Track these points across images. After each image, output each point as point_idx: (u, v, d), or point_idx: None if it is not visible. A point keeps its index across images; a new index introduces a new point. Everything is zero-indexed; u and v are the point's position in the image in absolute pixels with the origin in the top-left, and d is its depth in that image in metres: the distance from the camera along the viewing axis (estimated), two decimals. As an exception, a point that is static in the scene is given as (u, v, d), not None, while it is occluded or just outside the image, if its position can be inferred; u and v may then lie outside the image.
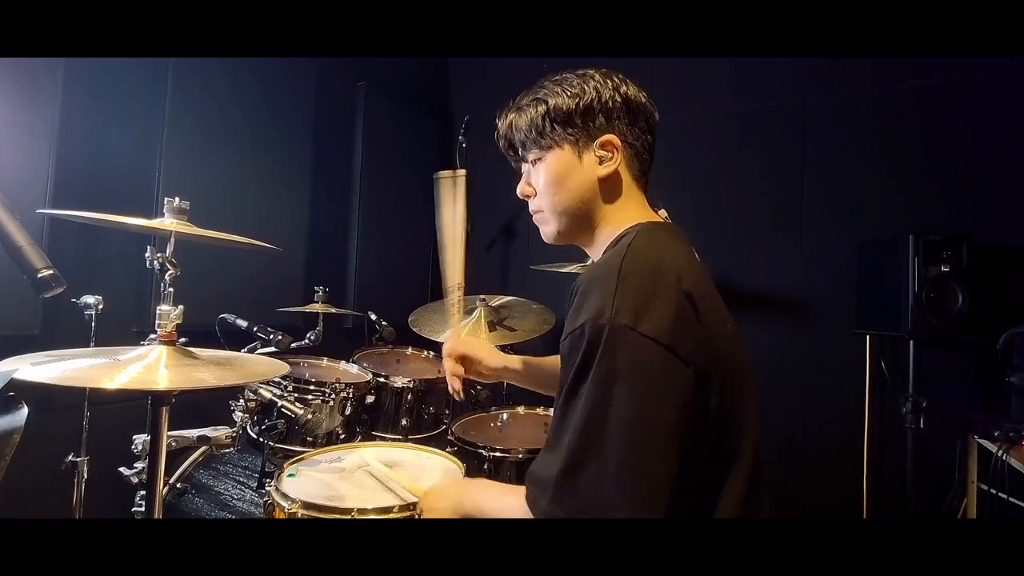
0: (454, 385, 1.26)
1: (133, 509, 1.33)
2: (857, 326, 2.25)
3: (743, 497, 0.78)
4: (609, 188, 0.90)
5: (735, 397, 0.78)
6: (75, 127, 1.80)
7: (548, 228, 0.96)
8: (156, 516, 1.03)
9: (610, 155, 0.89)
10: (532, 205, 0.97)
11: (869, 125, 2.37)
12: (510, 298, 2.24)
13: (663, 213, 0.95)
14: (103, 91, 1.91)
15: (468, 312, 2.15)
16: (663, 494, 0.69)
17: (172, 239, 1.08)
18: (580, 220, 0.92)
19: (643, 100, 0.91)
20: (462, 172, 1.28)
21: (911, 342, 2.00)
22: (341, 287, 2.81)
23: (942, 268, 1.92)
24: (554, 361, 1.23)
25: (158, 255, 1.05)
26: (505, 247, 3.22)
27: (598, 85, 0.89)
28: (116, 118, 1.95)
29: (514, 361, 1.30)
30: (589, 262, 2.20)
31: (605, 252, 0.91)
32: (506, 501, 0.86)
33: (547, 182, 0.92)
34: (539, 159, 0.94)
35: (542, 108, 0.91)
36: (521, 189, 0.99)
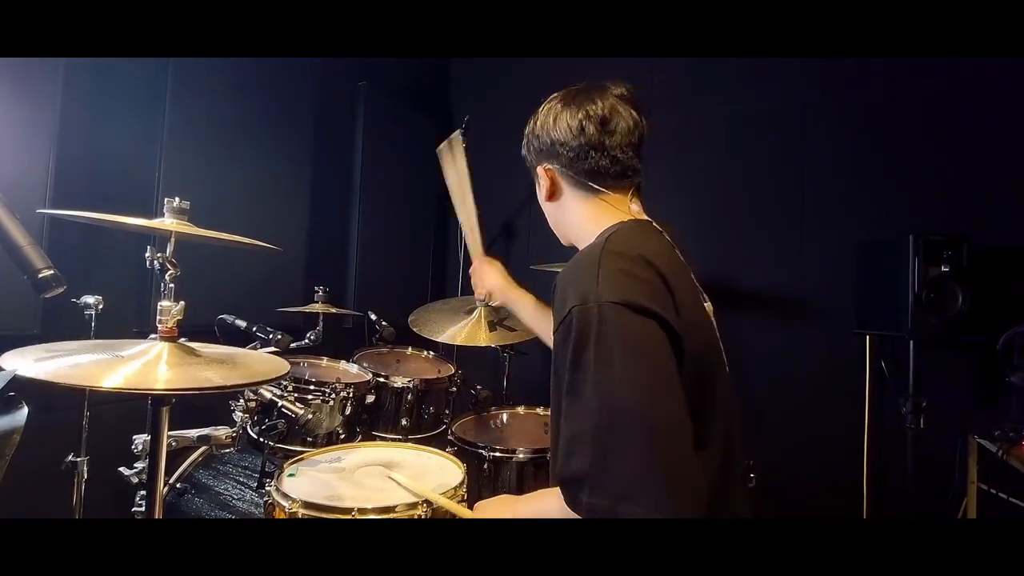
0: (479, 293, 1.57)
1: (133, 509, 1.32)
2: (857, 326, 2.25)
3: (713, 487, 0.79)
4: (562, 206, 1.04)
5: (707, 374, 0.82)
6: (75, 127, 1.80)
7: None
8: (156, 516, 1.03)
9: (543, 181, 1.03)
10: None
11: (869, 125, 2.37)
12: (510, 298, 2.23)
13: (635, 207, 1.02)
14: (103, 91, 1.91)
15: (468, 312, 2.15)
16: (691, 455, 0.71)
17: (172, 239, 1.08)
18: (561, 232, 1.09)
19: (563, 132, 0.97)
20: (454, 135, 1.50)
21: (911, 342, 2.00)
22: (341, 287, 2.81)
23: (942, 268, 1.92)
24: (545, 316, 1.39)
25: (158, 255, 1.05)
26: (505, 247, 3.22)
27: (533, 122, 1.04)
28: (116, 118, 1.95)
29: (523, 299, 1.51)
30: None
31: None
32: (545, 505, 0.88)
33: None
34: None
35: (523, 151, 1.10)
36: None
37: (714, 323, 0.93)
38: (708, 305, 0.95)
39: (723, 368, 0.91)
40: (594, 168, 0.98)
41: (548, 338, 1.14)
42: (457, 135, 1.50)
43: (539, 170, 1.03)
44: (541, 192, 1.06)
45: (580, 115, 0.97)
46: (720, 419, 0.84)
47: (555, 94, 1.04)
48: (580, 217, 1.02)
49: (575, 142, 0.97)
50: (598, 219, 0.98)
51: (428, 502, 1.17)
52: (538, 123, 1.02)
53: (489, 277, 1.57)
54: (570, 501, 0.75)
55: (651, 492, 0.68)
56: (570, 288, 0.81)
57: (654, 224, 1.00)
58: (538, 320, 1.44)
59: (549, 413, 2.04)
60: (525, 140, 1.07)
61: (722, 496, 0.82)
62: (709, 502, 0.78)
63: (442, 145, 1.52)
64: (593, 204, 1.00)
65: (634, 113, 0.98)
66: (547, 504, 0.87)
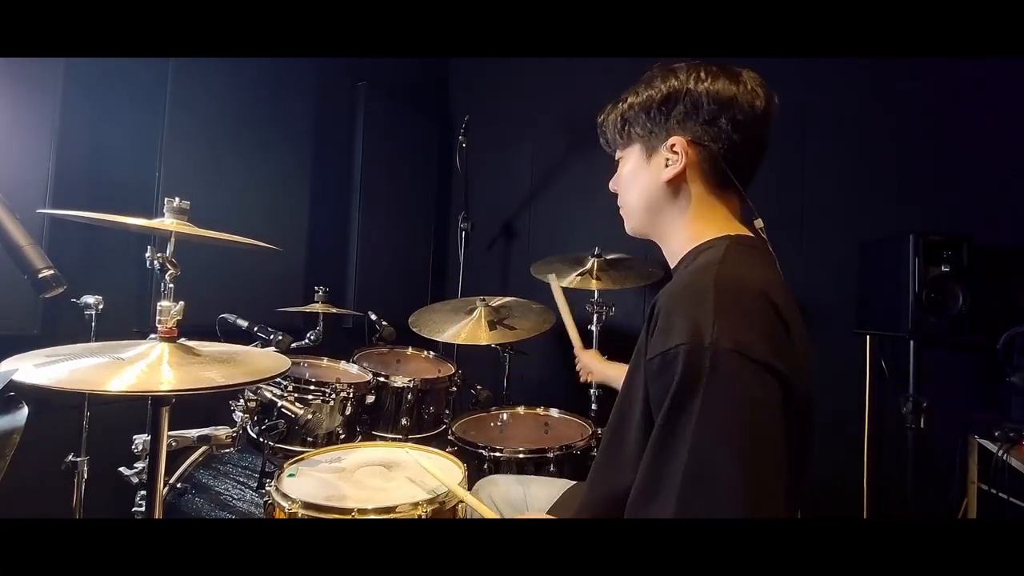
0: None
1: (133, 509, 1.32)
2: (857, 326, 2.25)
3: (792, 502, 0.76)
4: (677, 193, 0.86)
5: (809, 424, 0.75)
6: (75, 127, 1.80)
7: (626, 223, 0.96)
8: (156, 516, 1.03)
9: (676, 157, 0.84)
10: (618, 199, 0.97)
11: (869, 125, 2.37)
12: (510, 298, 2.24)
13: (759, 223, 0.88)
14: (103, 91, 1.91)
15: (468, 312, 2.15)
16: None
17: (172, 239, 1.08)
18: (650, 220, 0.91)
19: (730, 95, 0.81)
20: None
21: (911, 342, 2.00)
22: (341, 287, 2.81)
23: (942, 268, 1.92)
24: None
25: (158, 255, 1.05)
26: (505, 247, 3.22)
27: (675, 82, 0.83)
28: (116, 118, 1.95)
29: (617, 372, 1.73)
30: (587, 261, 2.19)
31: (683, 262, 0.87)
32: None
33: (623, 180, 0.94)
34: (621, 156, 0.94)
35: (622, 106, 0.89)
36: (611, 183, 0.98)
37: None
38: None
39: (816, 412, 0.80)
40: (749, 164, 0.85)
41: None
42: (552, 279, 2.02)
43: (676, 140, 0.83)
44: (652, 168, 0.86)
45: (764, 100, 0.82)
46: (807, 469, 0.79)
47: (697, 62, 0.84)
48: (694, 214, 0.85)
49: (751, 123, 0.81)
50: (712, 226, 0.85)
51: (427, 501, 1.17)
52: (694, 82, 0.81)
53: (589, 362, 1.85)
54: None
55: None
56: (678, 318, 0.69)
57: (766, 242, 0.86)
58: None
59: (550, 413, 2.05)
60: (653, 96, 0.84)
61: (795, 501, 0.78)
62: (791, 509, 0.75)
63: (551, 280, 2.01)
64: (713, 205, 0.85)
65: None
66: None
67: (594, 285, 2.20)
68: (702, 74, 0.82)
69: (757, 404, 0.65)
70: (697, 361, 0.65)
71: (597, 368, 1.81)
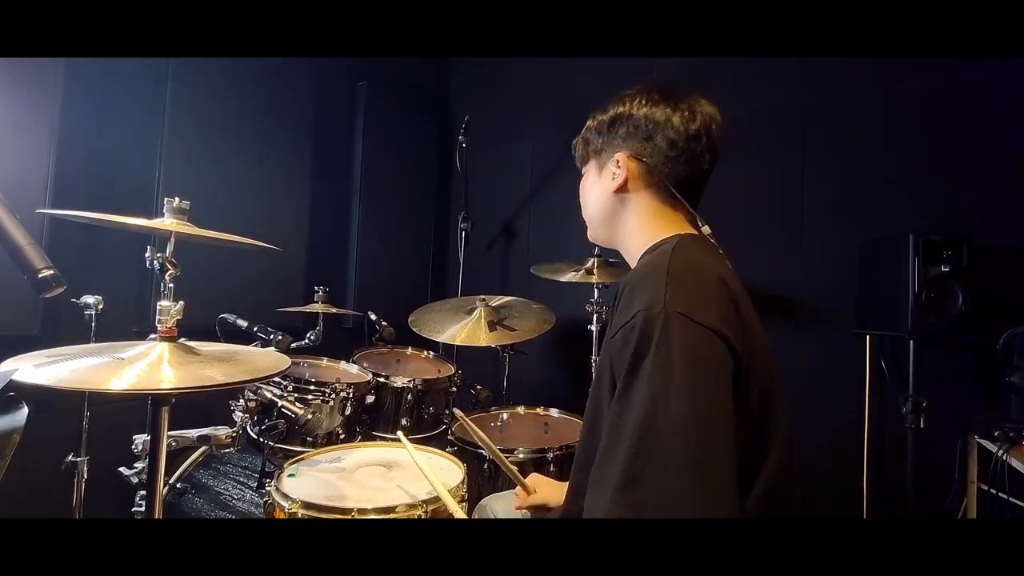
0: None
1: (133, 509, 1.32)
2: (857, 326, 2.25)
3: (767, 492, 0.78)
4: (625, 202, 0.96)
5: (768, 406, 0.79)
6: (75, 127, 1.80)
7: (589, 232, 1.07)
8: (156, 516, 1.03)
9: (619, 170, 0.94)
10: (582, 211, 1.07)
11: (869, 125, 2.37)
12: (510, 298, 2.24)
13: (706, 229, 0.96)
14: (103, 91, 1.91)
15: (468, 312, 2.15)
16: (731, 481, 0.68)
17: (172, 239, 1.08)
18: (607, 227, 1.01)
19: (663, 118, 0.91)
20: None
21: (911, 342, 2.00)
22: (341, 287, 2.81)
23: (942, 268, 1.92)
24: None
25: (158, 255, 1.05)
26: (505, 247, 3.22)
27: (622, 107, 0.95)
28: (116, 118, 1.95)
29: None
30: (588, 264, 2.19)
31: (643, 258, 0.94)
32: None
33: (583, 192, 1.05)
34: (583, 172, 1.06)
35: (584, 130, 1.02)
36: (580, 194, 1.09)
37: (773, 346, 0.87)
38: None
39: (784, 400, 0.86)
40: (687, 177, 0.93)
41: None
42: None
43: (619, 157, 0.94)
44: (603, 180, 0.97)
45: (700, 121, 0.91)
46: (775, 452, 0.81)
47: (648, 86, 0.95)
48: (643, 221, 0.95)
49: (684, 143, 0.91)
50: (662, 229, 0.94)
51: (427, 502, 1.17)
52: (637, 106, 0.93)
53: (550, 495, 1.29)
54: (591, 502, 0.73)
55: (682, 512, 0.65)
56: (638, 293, 0.77)
57: (716, 245, 0.95)
58: None
59: (550, 413, 2.05)
60: (604, 118, 0.97)
61: (778, 496, 0.81)
62: (766, 500, 0.77)
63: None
64: (662, 212, 0.95)
65: (720, 142, 0.94)
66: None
67: (595, 279, 2.20)
68: (644, 99, 0.94)
69: (704, 361, 0.70)
70: (650, 325, 0.72)
71: (552, 497, 1.25)
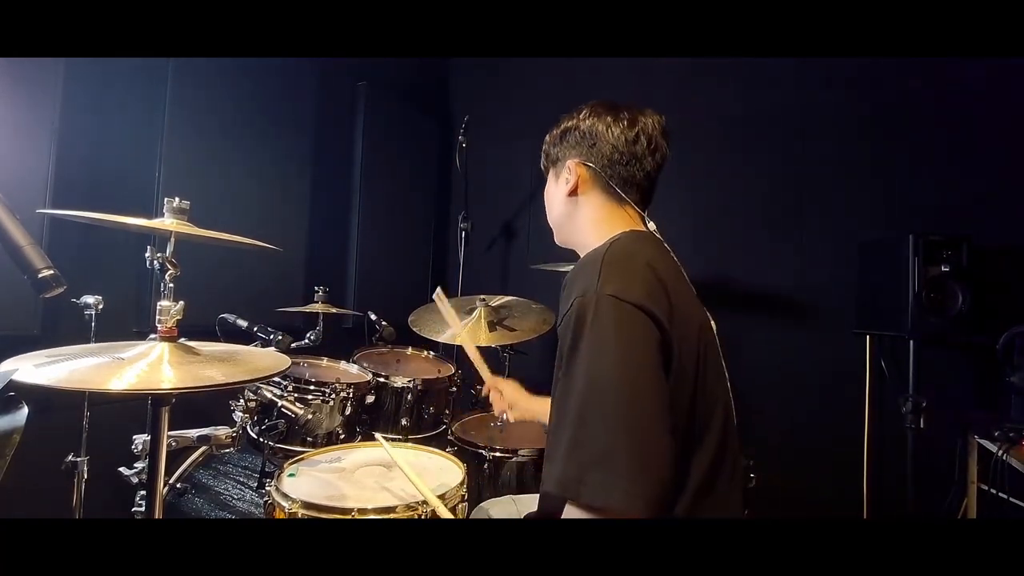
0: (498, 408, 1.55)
1: (133, 509, 1.32)
2: (857, 326, 2.25)
3: (707, 470, 0.84)
4: (578, 204, 1.06)
5: (701, 379, 0.85)
6: (75, 127, 1.80)
7: (555, 236, 1.16)
8: (156, 516, 1.03)
9: (570, 175, 1.05)
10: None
11: (869, 125, 2.37)
12: (510, 298, 2.24)
13: (652, 225, 1.05)
14: (103, 91, 1.91)
15: (468, 312, 2.15)
16: (663, 439, 0.75)
17: (172, 239, 1.08)
18: (566, 229, 1.11)
19: (604, 128, 1.01)
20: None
21: (911, 342, 2.00)
22: (341, 287, 2.81)
23: (942, 268, 1.92)
24: None
25: (158, 255, 1.05)
26: (505, 247, 3.22)
27: (571, 121, 1.06)
28: (116, 118, 1.95)
29: (542, 404, 1.46)
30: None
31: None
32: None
33: (546, 199, 1.15)
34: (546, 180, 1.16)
35: (544, 143, 1.13)
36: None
37: (716, 337, 0.95)
38: (713, 323, 0.97)
39: (720, 369, 0.94)
40: (630, 178, 1.02)
41: None
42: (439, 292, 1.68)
43: (569, 164, 1.05)
44: (559, 186, 1.08)
45: (637, 128, 1.01)
46: (719, 414, 0.88)
47: (597, 102, 1.07)
48: (595, 219, 1.04)
49: (624, 148, 1.01)
50: (613, 226, 1.02)
51: (427, 502, 1.17)
52: (583, 119, 1.04)
53: (511, 394, 1.56)
54: (545, 476, 0.79)
55: (618, 464, 0.71)
56: (576, 284, 0.86)
57: (659, 238, 1.04)
58: None
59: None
60: (557, 132, 1.09)
61: (712, 497, 0.85)
62: (695, 502, 0.82)
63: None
64: (611, 210, 1.04)
65: (666, 147, 1.05)
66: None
67: None
68: (588, 112, 1.05)
69: (633, 333, 0.78)
70: (584, 308, 0.80)
71: (521, 403, 1.52)
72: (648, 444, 0.73)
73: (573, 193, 1.05)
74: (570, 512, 0.75)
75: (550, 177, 1.13)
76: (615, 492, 0.70)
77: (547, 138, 1.12)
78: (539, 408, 1.48)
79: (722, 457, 0.87)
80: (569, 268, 2.18)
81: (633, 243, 0.95)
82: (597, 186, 1.04)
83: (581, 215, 1.06)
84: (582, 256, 1.05)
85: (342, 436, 1.72)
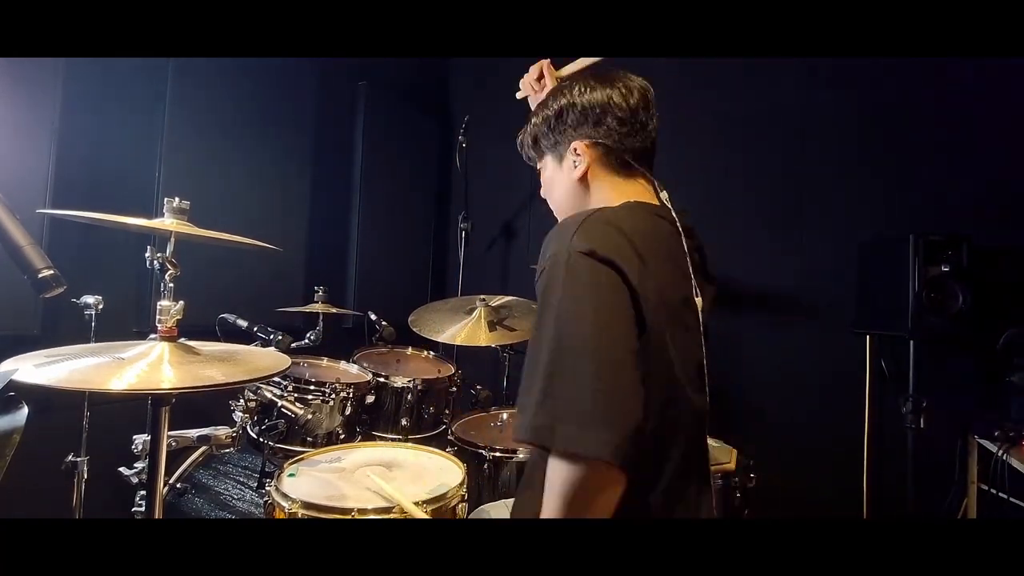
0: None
1: (133, 509, 1.32)
2: (857, 326, 2.25)
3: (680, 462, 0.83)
4: (589, 185, 0.99)
5: (668, 347, 0.83)
6: (75, 127, 1.80)
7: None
8: (156, 516, 1.03)
9: (579, 158, 0.97)
10: (548, 203, 1.09)
11: (869, 125, 2.37)
12: (510, 298, 2.24)
13: (664, 195, 0.99)
14: (103, 91, 1.91)
15: (468, 312, 2.15)
16: (633, 389, 0.74)
17: (172, 239, 1.08)
18: (572, 212, 1.01)
19: (606, 99, 0.95)
20: None
21: (911, 342, 2.00)
22: (341, 287, 2.81)
23: (942, 268, 1.92)
24: None
25: (158, 255, 1.05)
26: (505, 247, 3.22)
27: (564, 99, 0.99)
28: (116, 118, 1.95)
29: None
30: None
31: None
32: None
33: (545, 186, 1.07)
34: (540, 167, 1.08)
35: (530, 127, 1.06)
36: (541, 192, 1.10)
37: (699, 315, 0.93)
38: (699, 300, 0.93)
39: (696, 331, 0.91)
40: (641, 148, 0.97)
41: None
42: None
43: (576, 145, 0.97)
44: (565, 172, 1.00)
45: (636, 92, 0.96)
46: (686, 370, 0.86)
47: (580, 77, 1.01)
48: (606, 199, 0.97)
49: (630, 117, 0.95)
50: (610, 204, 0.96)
51: (427, 502, 1.17)
52: (579, 95, 0.97)
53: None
54: (517, 426, 0.77)
55: (588, 412, 0.71)
56: (552, 242, 0.85)
57: (659, 209, 0.98)
58: None
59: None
60: (547, 114, 1.01)
61: (676, 490, 0.84)
62: (668, 500, 0.82)
63: None
64: (624, 188, 0.97)
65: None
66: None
67: None
68: (582, 87, 0.98)
69: (602, 287, 0.78)
70: (556, 265, 0.80)
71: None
72: (618, 392, 0.73)
73: (584, 177, 0.98)
74: (552, 465, 0.74)
75: (548, 166, 1.05)
76: (587, 440, 0.70)
77: (535, 121, 1.04)
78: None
79: (691, 442, 0.86)
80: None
81: (615, 210, 0.91)
82: (608, 164, 0.97)
83: (593, 198, 0.99)
84: None
85: (342, 436, 1.72)
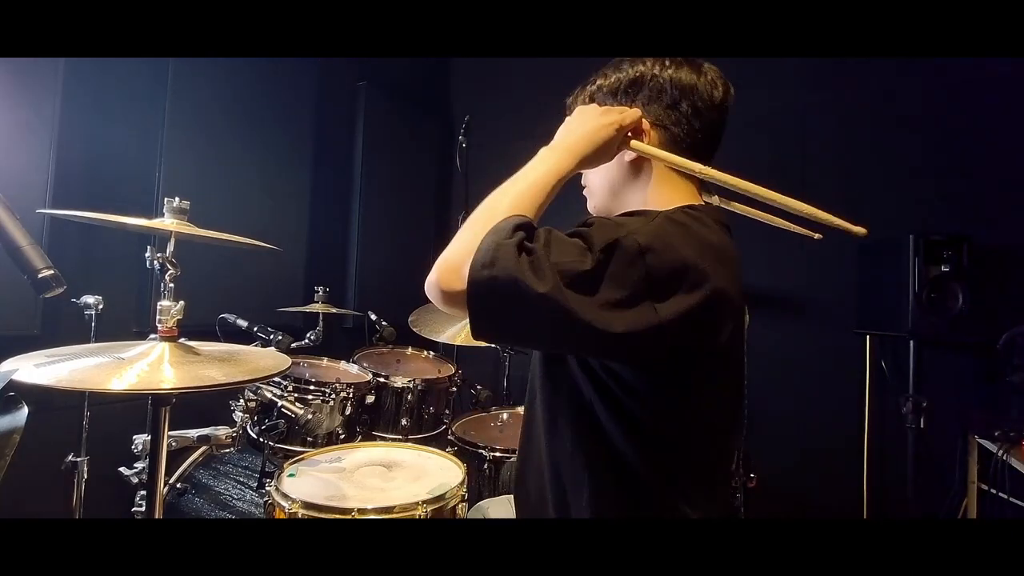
0: None
1: (133, 509, 1.32)
2: (857, 326, 2.25)
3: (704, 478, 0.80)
4: (639, 172, 0.88)
5: (738, 365, 0.81)
6: (75, 127, 1.80)
7: (589, 202, 0.97)
8: (156, 516, 1.03)
9: (643, 137, 0.85)
10: (582, 179, 0.97)
11: (869, 125, 2.37)
12: (510, 298, 2.24)
13: (715, 199, 0.92)
14: (103, 91, 1.91)
15: (468, 312, 2.15)
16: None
17: (172, 239, 1.08)
18: (612, 200, 0.92)
19: (691, 82, 0.84)
20: None
21: (911, 342, 2.00)
22: (341, 287, 2.81)
23: (942, 268, 1.92)
24: None
25: (158, 255, 1.05)
26: (505, 247, 3.21)
27: (642, 67, 0.86)
28: (116, 118, 1.95)
29: None
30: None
31: None
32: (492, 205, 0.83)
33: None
34: None
35: (591, 88, 0.91)
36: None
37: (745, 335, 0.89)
38: (747, 317, 0.90)
39: (741, 374, 0.88)
40: (708, 146, 0.88)
41: None
42: None
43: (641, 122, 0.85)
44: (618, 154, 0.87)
45: (722, 90, 0.86)
46: (734, 434, 0.85)
47: (651, 59, 0.87)
48: (653, 192, 0.87)
49: (709, 111, 0.84)
50: (669, 201, 0.85)
51: (427, 502, 1.17)
52: (662, 69, 0.84)
53: None
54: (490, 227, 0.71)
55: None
56: (603, 220, 0.74)
57: (715, 217, 0.88)
58: None
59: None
60: (619, 77, 0.87)
61: (712, 490, 0.83)
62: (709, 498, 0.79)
63: None
64: (675, 185, 0.87)
65: None
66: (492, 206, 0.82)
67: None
68: (667, 62, 0.85)
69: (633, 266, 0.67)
70: (606, 230, 0.69)
71: None
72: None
73: (638, 160, 0.86)
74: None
75: None
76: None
77: (600, 82, 0.90)
78: None
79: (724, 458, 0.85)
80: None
81: (690, 221, 0.79)
82: (663, 147, 0.85)
83: (638, 185, 0.88)
84: None
85: (342, 436, 1.72)
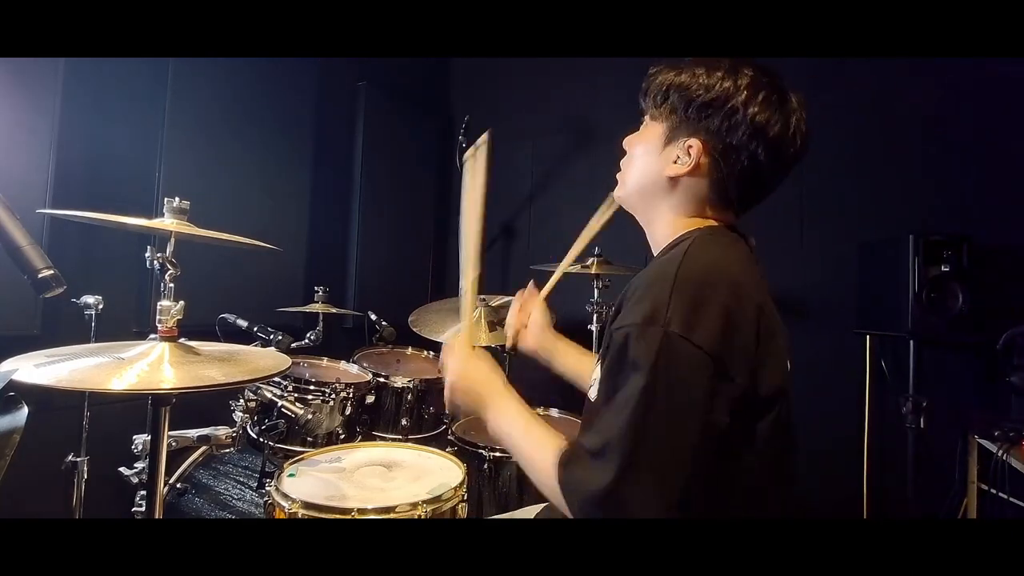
0: (511, 333, 1.25)
1: (133, 509, 1.32)
2: (857, 326, 2.25)
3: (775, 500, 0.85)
4: (675, 189, 0.87)
5: (786, 412, 0.82)
6: (75, 127, 1.80)
7: (617, 190, 0.97)
8: (156, 516, 1.03)
9: (687, 159, 0.83)
10: (622, 160, 0.96)
11: (869, 125, 2.37)
12: (510, 298, 2.23)
13: (752, 242, 0.90)
14: (103, 91, 1.91)
15: (468, 312, 2.14)
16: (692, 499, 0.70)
17: (172, 239, 1.08)
18: (640, 202, 0.92)
19: (771, 134, 0.81)
20: (483, 139, 1.16)
21: (911, 342, 2.00)
22: (341, 287, 2.81)
23: (942, 268, 1.92)
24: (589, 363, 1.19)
25: (158, 255, 1.05)
26: (505, 247, 3.21)
27: (731, 85, 0.81)
28: (116, 118, 1.95)
29: (565, 348, 1.25)
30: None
31: (662, 252, 0.88)
32: (535, 457, 0.83)
33: (628, 146, 0.94)
34: (645, 121, 0.92)
35: (674, 78, 0.85)
36: (625, 140, 0.96)
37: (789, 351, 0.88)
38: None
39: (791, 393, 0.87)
40: (748, 197, 0.87)
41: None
42: (483, 140, 1.18)
43: (693, 143, 0.82)
44: (661, 159, 0.86)
45: (800, 143, 0.84)
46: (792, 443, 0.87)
47: (767, 75, 0.83)
48: (684, 210, 0.87)
49: (768, 167, 0.83)
50: (686, 222, 0.87)
51: (427, 502, 1.17)
52: (739, 94, 0.79)
53: (537, 317, 1.27)
54: (562, 480, 0.76)
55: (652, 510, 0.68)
56: (643, 300, 0.74)
57: (740, 239, 0.88)
58: (575, 374, 1.23)
59: (549, 413, 2.05)
60: (699, 94, 0.82)
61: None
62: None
63: (468, 152, 1.23)
64: (706, 208, 0.88)
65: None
66: (535, 459, 0.83)
67: (593, 270, 2.19)
68: (760, 97, 0.80)
69: (690, 386, 0.70)
70: (646, 340, 0.71)
71: (536, 330, 1.25)
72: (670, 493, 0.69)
73: (678, 179, 0.85)
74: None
75: (656, 131, 0.87)
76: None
77: (682, 80, 0.84)
78: (554, 347, 1.22)
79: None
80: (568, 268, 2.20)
81: (715, 250, 0.80)
82: (709, 184, 0.84)
83: (670, 202, 0.87)
84: (652, 238, 0.92)
85: (342, 436, 1.71)
